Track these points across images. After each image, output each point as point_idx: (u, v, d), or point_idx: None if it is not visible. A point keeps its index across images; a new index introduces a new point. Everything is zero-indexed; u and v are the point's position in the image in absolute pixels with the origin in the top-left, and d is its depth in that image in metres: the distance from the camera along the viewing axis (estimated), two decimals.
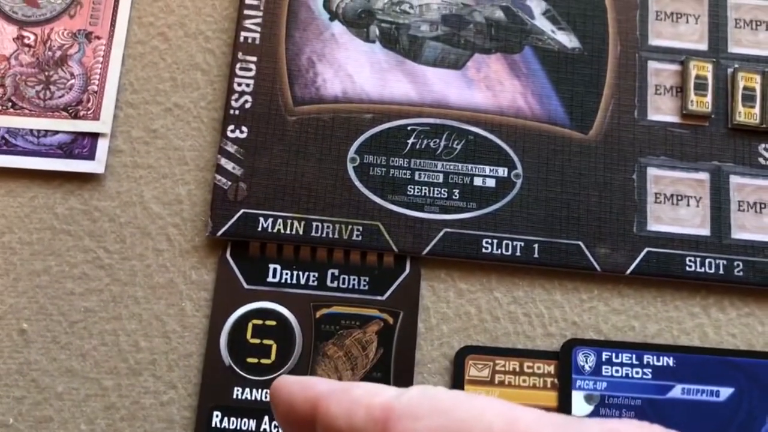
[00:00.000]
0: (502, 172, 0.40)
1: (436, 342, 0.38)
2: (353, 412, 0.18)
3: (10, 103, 0.40)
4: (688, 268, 0.39)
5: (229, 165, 0.39)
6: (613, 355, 0.38)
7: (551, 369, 0.38)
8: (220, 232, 0.38)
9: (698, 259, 0.39)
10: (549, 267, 0.39)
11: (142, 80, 0.41)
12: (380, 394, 0.18)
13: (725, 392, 0.37)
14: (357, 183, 0.40)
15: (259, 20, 0.42)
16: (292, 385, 0.20)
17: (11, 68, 0.41)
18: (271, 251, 0.39)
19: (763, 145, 0.41)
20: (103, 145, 0.40)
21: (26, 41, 0.41)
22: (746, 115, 0.41)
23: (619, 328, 0.39)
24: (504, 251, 0.39)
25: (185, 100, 0.41)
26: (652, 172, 0.40)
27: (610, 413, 0.37)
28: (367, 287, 0.39)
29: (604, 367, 0.38)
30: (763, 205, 0.40)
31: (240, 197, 0.39)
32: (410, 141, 0.40)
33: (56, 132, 0.40)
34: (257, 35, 0.41)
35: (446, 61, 0.42)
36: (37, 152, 0.40)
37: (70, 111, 0.40)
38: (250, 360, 0.37)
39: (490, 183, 0.40)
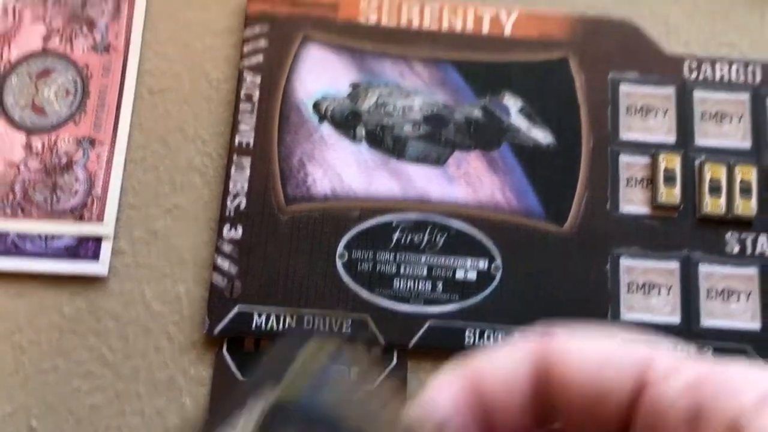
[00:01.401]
0: (482, 264, 0.42)
1: None
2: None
3: (19, 208, 0.43)
4: None
5: (225, 264, 0.42)
6: None
7: None
8: (216, 330, 0.41)
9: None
10: None
11: (143, 183, 0.44)
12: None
13: None
14: (345, 278, 0.42)
15: (252, 124, 0.44)
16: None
17: (20, 174, 0.44)
18: (265, 345, 0.41)
19: (729, 234, 0.43)
20: (106, 248, 0.42)
21: (34, 149, 0.44)
22: (713, 205, 0.43)
23: None
24: (486, 342, 0.41)
25: (184, 201, 0.44)
26: (624, 262, 0.43)
27: None
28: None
29: None
30: (730, 293, 0.42)
31: (235, 294, 0.41)
32: (395, 236, 0.43)
33: (62, 235, 0.42)
34: (251, 139, 0.44)
35: (428, 158, 0.44)
36: (44, 255, 0.42)
37: (75, 214, 0.43)
38: None
39: (472, 276, 0.42)
